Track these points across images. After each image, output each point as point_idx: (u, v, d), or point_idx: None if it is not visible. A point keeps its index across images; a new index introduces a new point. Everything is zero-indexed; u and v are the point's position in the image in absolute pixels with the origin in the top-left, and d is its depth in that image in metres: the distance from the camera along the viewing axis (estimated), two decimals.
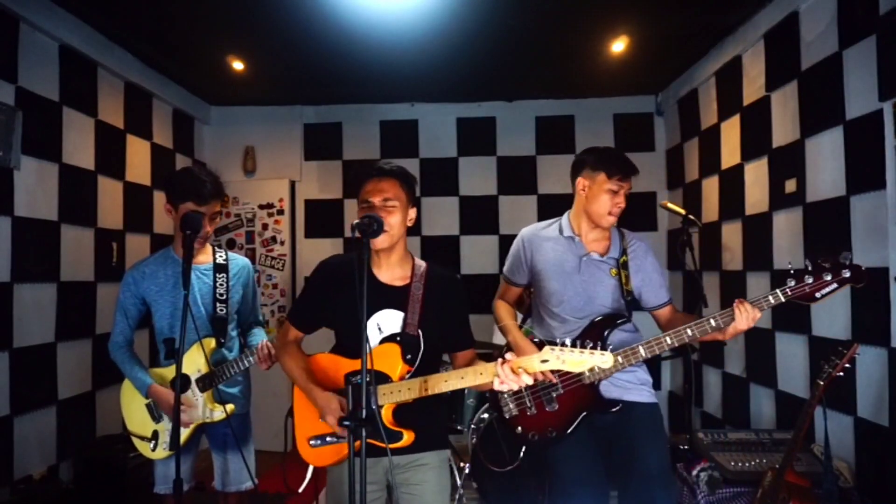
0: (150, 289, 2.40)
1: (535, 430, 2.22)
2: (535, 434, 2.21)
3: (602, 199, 2.20)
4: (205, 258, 2.47)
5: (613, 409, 2.16)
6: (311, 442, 1.88)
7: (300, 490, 3.79)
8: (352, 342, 1.88)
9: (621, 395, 2.20)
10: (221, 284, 2.45)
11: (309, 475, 3.85)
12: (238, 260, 2.56)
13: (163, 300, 2.39)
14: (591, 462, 2.17)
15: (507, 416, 2.27)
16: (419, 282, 1.90)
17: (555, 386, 2.18)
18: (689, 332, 2.05)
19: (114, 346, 2.43)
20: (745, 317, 1.95)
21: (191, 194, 2.29)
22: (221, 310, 2.43)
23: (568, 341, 1.64)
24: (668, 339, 2.07)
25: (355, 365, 1.85)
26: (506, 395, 2.26)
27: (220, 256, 2.50)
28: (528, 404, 2.23)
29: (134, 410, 2.47)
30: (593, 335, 2.16)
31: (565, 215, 2.38)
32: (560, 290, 2.27)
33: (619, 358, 2.08)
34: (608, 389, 2.20)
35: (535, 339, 2.32)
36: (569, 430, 2.17)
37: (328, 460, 1.87)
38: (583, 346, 1.62)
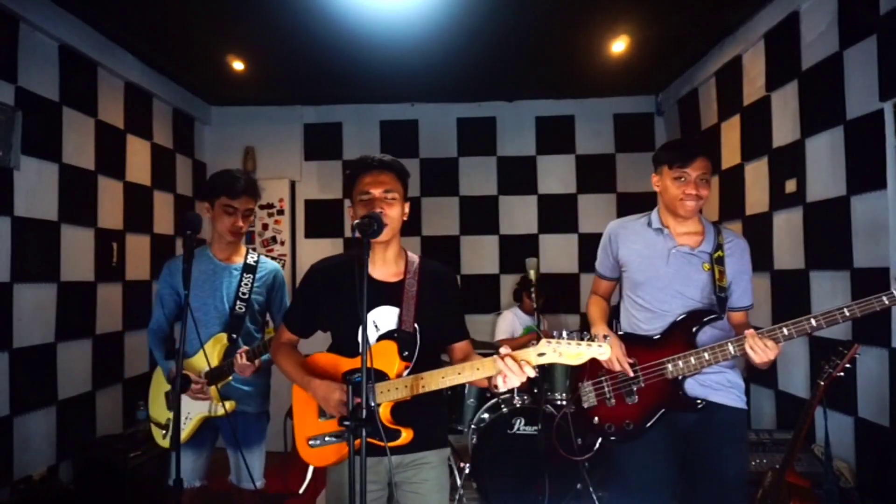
0: (182, 282, 2.45)
1: (613, 421, 2.14)
2: (612, 425, 2.14)
3: (670, 188, 2.17)
4: (238, 258, 2.58)
5: (696, 408, 2.04)
6: (311, 442, 1.86)
7: (301, 491, 3.79)
8: (349, 341, 1.85)
9: (706, 395, 2.06)
10: (246, 284, 2.54)
11: (309, 476, 3.86)
12: (268, 264, 2.65)
13: (193, 294, 2.45)
14: (661, 471, 2.09)
15: (585, 405, 2.21)
16: (413, 277, 1.89)
17: (636, 379, 2.10)
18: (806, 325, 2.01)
19: (149, 333, 2.58)
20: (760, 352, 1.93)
21: (224, 189, 2.43)
22: (240, 308, 2.51)
23: (565, 334, 1.62)
24: (770, 340, 1.95)
25: (353, 363, 1.83)
26: (586, 385, 2.21)
27: (252, 258, 2.60)
28: (608, 395, 2.15)
29: (157, 397, 2.57)
30: (682, 330, 2.07)
31: (655, 210, 2.30)
32: (646, 283, 2.16)
33: (706, 354, 1.99)
34: (693, 388, 2.07)
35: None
36: (647, 425, 2.08)
37: (328, 460, 1.85)
38: (580, 339, 1.62)
